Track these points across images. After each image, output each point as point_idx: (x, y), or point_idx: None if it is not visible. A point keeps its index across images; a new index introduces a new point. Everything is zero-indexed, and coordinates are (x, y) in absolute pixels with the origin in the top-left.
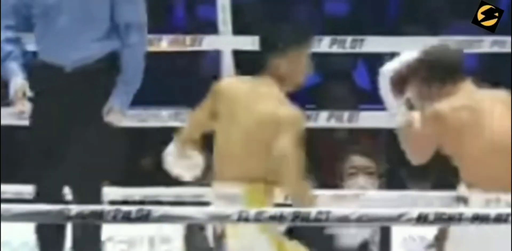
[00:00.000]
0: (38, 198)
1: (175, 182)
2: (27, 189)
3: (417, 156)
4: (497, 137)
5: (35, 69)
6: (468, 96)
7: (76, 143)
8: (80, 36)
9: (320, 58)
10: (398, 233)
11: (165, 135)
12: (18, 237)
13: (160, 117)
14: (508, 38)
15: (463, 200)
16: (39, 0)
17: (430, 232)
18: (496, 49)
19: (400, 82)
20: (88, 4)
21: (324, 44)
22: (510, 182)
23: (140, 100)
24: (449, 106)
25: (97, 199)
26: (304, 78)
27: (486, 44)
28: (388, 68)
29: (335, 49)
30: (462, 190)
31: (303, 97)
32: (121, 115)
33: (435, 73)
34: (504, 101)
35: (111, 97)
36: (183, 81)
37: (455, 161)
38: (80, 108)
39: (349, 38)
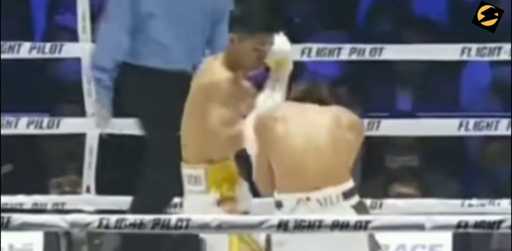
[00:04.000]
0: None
1: (35, 189)
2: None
3: (261, 184)
4: (307, 141)
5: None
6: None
7: None
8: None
9: None
10: None
11: (23, 143)
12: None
13: (18, 124)
14: (365, 46)
15: (279, 204)
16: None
17: None
18: (354, 57)
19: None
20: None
21: None
22: (319, 183)
23: None
24: (264, 115)
25: None
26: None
27: (345, 52)
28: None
29: None
30: (276, 195)
31: None
32: None
33: None
34: (334, 113)
35: None
36: (42, 88)
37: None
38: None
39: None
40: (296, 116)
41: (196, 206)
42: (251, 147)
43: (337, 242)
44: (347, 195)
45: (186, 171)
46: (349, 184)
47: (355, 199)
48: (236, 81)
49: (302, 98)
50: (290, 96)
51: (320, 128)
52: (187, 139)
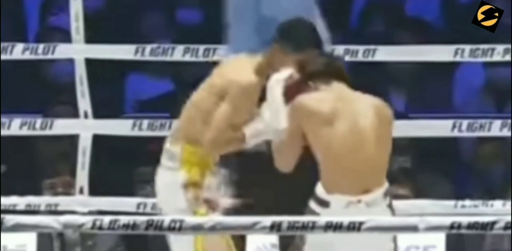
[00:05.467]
0: None
1: (29, 190)
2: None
3: (284, 160)
4: (357, 136)
5: None
6: (336, 92)
7: None
8: None
9: (172, 67)
10: (252, 241)
11: (16, 144)
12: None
13: (11, 125)
14: (358, 47)
15: (325, 204)
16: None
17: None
18: (347, 58)
19: (292, 88)
20: None
21: (177, 53)
22: (369, 185)
23: None
24: (311, 97)
25: None
26: None
27: (339, 53)
28: (282, 77)
29: (188, 57)
30: (320, 192)
31: (155, 105)
32: None
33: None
34: (376, 106)
35: None
36: (35, 89)
37: (319, 161)
38: None
39: (201, 47)
40: (342, 105)
41: (164, 181)
42: (281, 121)
43: (367, 242)
44: (386, 194)
45: (167, 145)
46: (387, 183)
47: (389, 198)
48: (258, 88)
49: (322, 71)
50: (309, 68)
51: (366, 119)
52: (183, 116)
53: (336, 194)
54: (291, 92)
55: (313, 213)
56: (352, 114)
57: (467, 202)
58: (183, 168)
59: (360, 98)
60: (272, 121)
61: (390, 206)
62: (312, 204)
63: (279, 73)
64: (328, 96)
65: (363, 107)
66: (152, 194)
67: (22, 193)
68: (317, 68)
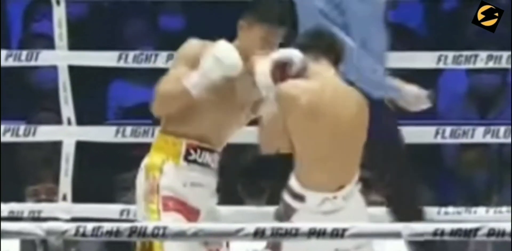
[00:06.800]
0: None
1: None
2: None
3: (266, 141)
4: (337, 132)
5: None
6: (321, 80)
7: None
8: None
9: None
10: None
11: (0, 150)
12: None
13: None
14: None
15: (300, 198)
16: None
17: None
18: None
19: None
20: None
21: (160, 60)
22: (345, 181)
23: None
24: (295, 87)
25: None
26: None
27: None
28: (276, 57)
29: (171, 64)
30: (295, 186)
31: (138, 112)
32: None
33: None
34: (355, 96)
35: None
36: (18, 96)
37: (296, 152)
38: None
39: None
40: (325, 96)
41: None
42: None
43: None
44: (357, 182)
45: None
46: (358, 171)
47: (359, 183)
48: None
49: (311, 45)
50: (297, 41)
51: (346, 111)
52: None
53: (311, 190)
54: (279, 72)
55: (289, 207)
56: (334, 107)
57: (450, 209)
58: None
59: (342, 88)
60: (212, 65)
61: (360, 191)
62: (287, 197)
63: (278, 53)
64: (313, 87)
65: (345, 98)
66: (135, 201)
67: (5, 199)
68: (305, 43)
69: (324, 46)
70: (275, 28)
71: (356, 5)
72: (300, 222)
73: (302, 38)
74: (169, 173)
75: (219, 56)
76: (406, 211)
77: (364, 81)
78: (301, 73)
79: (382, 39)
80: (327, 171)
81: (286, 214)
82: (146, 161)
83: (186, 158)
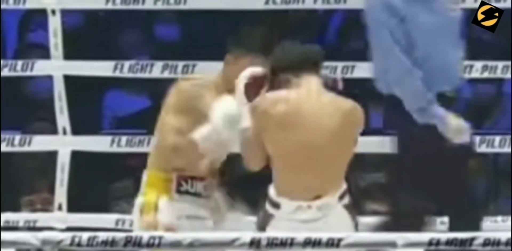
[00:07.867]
0: None
1: (7, 207)
2: None
3: (249, 159)
4: (311, 142)
5: None
6: (300, 92)
7: None
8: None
9: (151, 83)
10: None
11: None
12: None
13: None
14: (337, 64)
15: (276, 205)
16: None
17: None
18: None
19: (255, 85)
20: None
21: (155, 69)
22: (322, 191)
23: None
24: (269, 98)
25: None
26: None
27: None
28: (245, 75)
29: (167, 74)
30: (272, 193)
31: (133, 122)
32: None
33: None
34: (344, 108)
35: None
36: (13, 105)
37: (272, 162)
38: None
39: (180, 64)
40: (303, 106)
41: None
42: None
43: None
44: (342, 197)
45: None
46: (344, 186)
47: (347, 199)
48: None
49: (301, 61)
50: (285, 58)
51: (327, 122)
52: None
53: (286, 198)
54: (252, 89)
55: (267, 213)
56: (312, 118)
57: (446, 218)
58: (142, 194)
59: (326, 100)
60: (223, 122)
61: (348, 207)
62: (267, 205)
63: (245, 71)
64: (290, 97)
65: (327, 110)
66: (131, 210)
67: (0, 209)
68: (294, 59)
69: (305, 63)
70: (262, 58)
71: (423, 17)
72: (276, 229)
73: (286, 59)
74: (164, 209)
75: (231, 120)
76: (407, 220)
77: (407, 104)
78: (282, 85)
79: (449, 57)
80: (300, 180)
81: (264, 220)
82: (140, 200)
83: (178, 190)
